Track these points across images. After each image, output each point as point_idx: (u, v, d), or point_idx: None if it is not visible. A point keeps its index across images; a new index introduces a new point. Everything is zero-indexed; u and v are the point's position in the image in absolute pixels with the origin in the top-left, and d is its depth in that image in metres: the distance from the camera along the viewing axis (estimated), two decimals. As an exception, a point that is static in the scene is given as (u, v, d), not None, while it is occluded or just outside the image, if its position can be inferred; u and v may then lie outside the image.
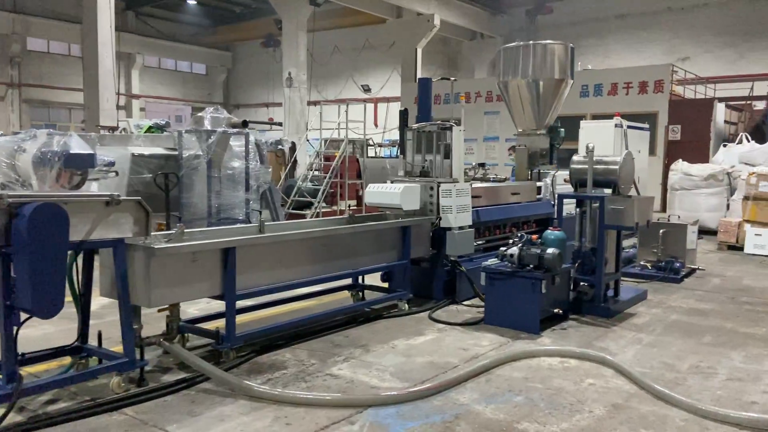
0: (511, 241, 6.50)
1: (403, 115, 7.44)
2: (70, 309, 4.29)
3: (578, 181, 7.06)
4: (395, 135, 24.08)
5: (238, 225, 6.60)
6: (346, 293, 7.06)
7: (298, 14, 20.18)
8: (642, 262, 9.05)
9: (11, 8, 29.57)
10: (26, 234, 3.58)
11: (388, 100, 30.29)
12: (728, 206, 13.16)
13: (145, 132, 12.80)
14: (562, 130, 9.50)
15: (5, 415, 3.68)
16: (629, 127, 12.89)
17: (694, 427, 4.03)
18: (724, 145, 15.46)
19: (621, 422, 4.08)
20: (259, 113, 36.83)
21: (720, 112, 18.52)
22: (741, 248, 11.32)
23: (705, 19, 23.85)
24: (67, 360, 4.59)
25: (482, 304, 6.57)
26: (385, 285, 7.23)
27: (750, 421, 4.03)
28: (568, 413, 4.20)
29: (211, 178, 10.20)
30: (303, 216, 13.11)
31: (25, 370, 4.25)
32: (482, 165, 8.02)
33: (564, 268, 6.38)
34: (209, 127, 10.04)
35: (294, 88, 20.26)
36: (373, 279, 7.15)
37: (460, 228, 7.05)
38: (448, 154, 7.13)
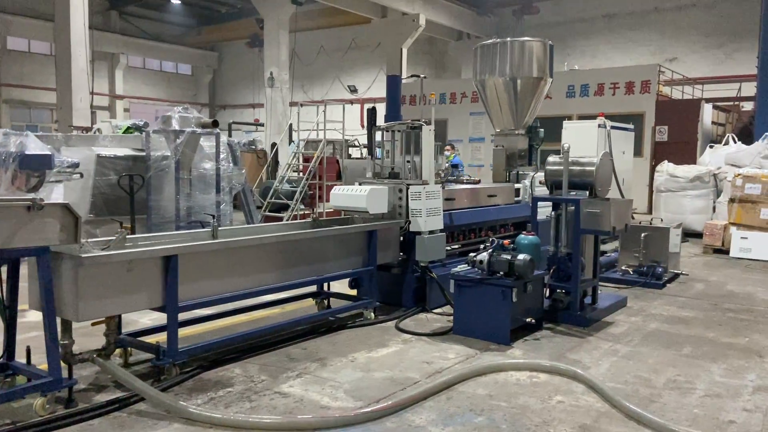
0: (482, 246, 6.17)
1: (371, 114, 7.10)
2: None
3: (554, 183, 6.75)
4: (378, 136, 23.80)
5: (195, 230, 6.23)
6: (311, 301, 6.71)
7: (280, 13, 19.82)
8: (623, 267, 8.74)
9: (-10, 7, 29.04)
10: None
11: (374, 100, 29.85)
12: (714, 208, 12.90)
13: (123, 132, 12.43)
14: (542, 130, 9.18)
15: None
16: (613, 127, 12.60)
17: (666, 451, 3.71)
18: (711, 146, 15.21)
19: (588, 446, 3.76)
20: (245, 114, 36.41)
21: (707, 113, 18.30)
22: (727, 252, 11.04)
23: (692, 19, 23.64)
24: (-10, 378, 4.22)
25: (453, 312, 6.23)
26: (353, 292, 6.90)
27: (727, 445, 3.72)
28: (532, 436, 3.87)
29: (180, 180, 9.84)
30: (279, 219, 12.75)
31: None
32: (455, 166, 7.69)
33: (537, 275, 6.06)
34: (177, 128, 9.68)
35: (276, 88, 19.89)
36: (342, 286, 6.81)
37: (431, 232, 6.71)
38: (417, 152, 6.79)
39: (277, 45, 19.89)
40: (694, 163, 15.10)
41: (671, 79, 20.10)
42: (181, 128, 9.66)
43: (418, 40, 26.37)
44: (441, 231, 6.86)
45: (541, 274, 6.19)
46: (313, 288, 6.60)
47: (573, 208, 6.42)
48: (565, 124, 12.27)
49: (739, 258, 10.71)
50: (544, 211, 7.19)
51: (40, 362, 4.14)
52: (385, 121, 7.01)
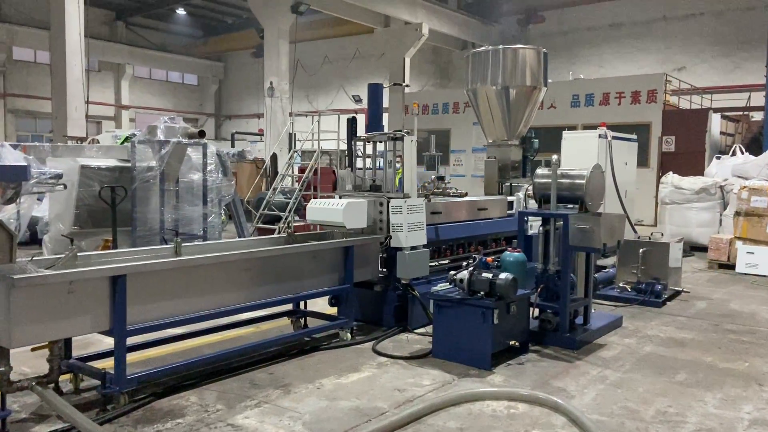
0: (464, 263, 5.83)
1: (351, 124, 6.79)
2: None
3: (542, 197, 6.40)
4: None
5: (159, 247, 5.91)
6: (287, 320, 6.39)
7: (279, 22, 19.59)
8: (621, 284, 8.35)
9: (-5, 17, 29.14)
10: None
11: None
12: (721, 221, 12.47)
13: (121, 143, 12.24)
14: (536, 141, 8.85)
15: None
16: (616, 138, 12.20)
17: (648, 497, 3.35)
18: (718, 157, 14.79)
19: (561, 490, 3.40)
20: (250, 124, 36.30)
21: (716, 122, 17.85)
22: (732, 267, 10.61)
23: (700, 28, 23.24)
24: None
25: (433, 333, 5.88)
26: (334, 310, 6.58)
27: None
28: (500, 477, 3.52)
29: (165, 191, 9.59)
30: (272, 231, 12.47)
31: None
32: (441, 178, 7.37)
33: (522, 294, 5.70)
34: (162, 138, 9.43)
35: (276, 97, 19.63)
36: (324, 303, 6.49)
37: (413, 248, 6.38)
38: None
39: (276, 54, 19.66)
40: (702, 174, 14.68)
41: (678, 88, 19.69)
42: (167, 138, 9.42)
43: (423, 49, 26.17)
44: (424, 247, 6.53)
45: (527, 293, 5.83)
46: (290, 306, 6.30)
47: (562, 223, 6.06)
48: (565, 134, 11.90)
49: (745, 273, 10.29)
50: (537, 225, 6.84)
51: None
52: (367, 131, 6.70)
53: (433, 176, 7.27)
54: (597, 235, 5.81)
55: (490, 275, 5.41)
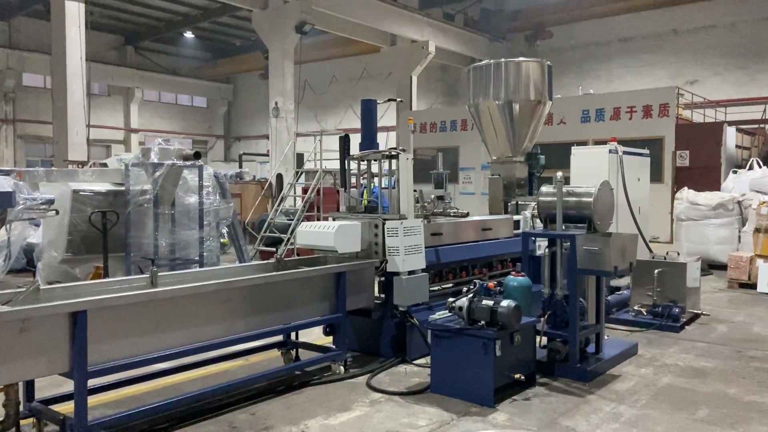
0: (465, 288, 5.43)
1: (344, 142, 6.44)
2: None
3: (548, 217, 5.99)
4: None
5: (134, 277, 5.56)
6: (278, 352, 6.00)
7: (284, 43, 19.41)
8: (636, 307, 7.88)
9: (6, 44, 29.29)
10: None
11: (387, 129, 29.47)
12: (740, 238, 11.96)
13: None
14: (542, 157, 8.45)
15: None
16: (628, 153, 11.77)
17: None
18: (734, 172, 14.29)
19: None
20: (260, 145, 36.14)
21: (731, 136, 17.36)
22: (754, 286, 10.09)
23: (712, 40, 22.80)
24: None
25: (432, 365, 5.45)
26: (329, 340, 6.17)
27: None
28: None
29: (160, 215, 9.29)
30: (273, 253, 12.10)
31: None
32: (441, 198, 6.99)
33: (526, 323, 5.28)
34: (156, 160, 9.14)
35: (281, 118, 19.41)
36: (318, 331, 6.10)
37: (411, 272, 5.99)
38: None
39: (281, 74, 19.46)
40: (718, 188, 14.17)
41: (691, 102, 19.23)
42: (160, 161, 9.13)
43: (431, 67, 25.94)
44: (423, 271, 6.14)
45: (532, 321, 5.40)
46: (280, 337, 5.91)
47: (569, 245, 5.65)
48: (574, 150, 11.49)
49: (767, 294, 9.76)
50: (545, 245, 6.42)
51: None
52: (361, 150, 6.35)
53: (433, 195, 6.89)
54: (607, 258, 5.39)
55: (491, 302, 4.99)
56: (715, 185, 14.71)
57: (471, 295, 5.11)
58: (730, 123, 17.94)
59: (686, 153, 17.04)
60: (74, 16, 14.83)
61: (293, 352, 5.98)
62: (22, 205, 8.96)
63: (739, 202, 12.32)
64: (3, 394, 3.94)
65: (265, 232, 12.57)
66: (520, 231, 8.13)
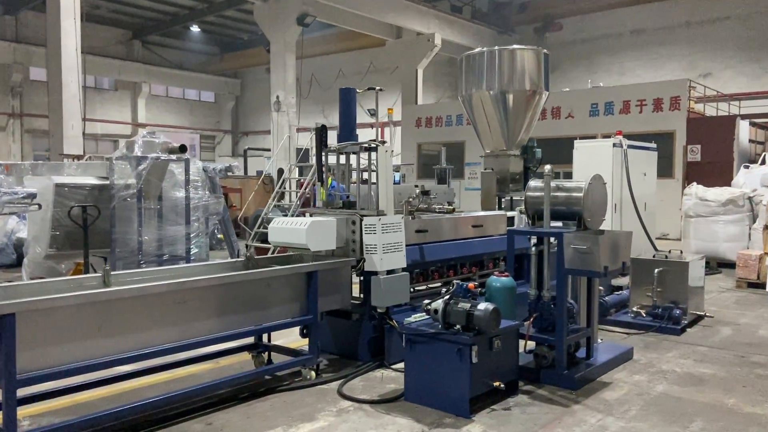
0: (444, 289, 5.08)
1: (320, 133, 6.09)
2: None
3: (536, 213, 5.62)
4: (397, 160, 22.81)
5: (86, 276, 5.26)
6: (248, 355, 5.68)
7: (286, 35, 19.11)
8: (635, 308, 7.47)
9: (13, 38, 29.21)
10: None
11: (395, 124, 29.12)
12: (750, 236, 11.49)
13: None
14: (539, 150, 8.05)
15: None
16: (633, 147, 11.33)
17: None
18: (746, 167, 13.79)
19: None
20: (267, 140, 35.67)
21: (744, 130, 16.83)
22: (763, 286, 9.63)
23: (726, 32, 22.20)
24: None
25: (409, 371, 5.11)
26: (304, 342, 5.83)
27: None
28: None
29: (146, 210, 9.02)
30: (268, 249, 11.79)
31: None
32: (426, 193, 6.63)
33: (509, 327, 4.92)
34: (139, 153, 8.86)
35: (282, 112, 19.12)
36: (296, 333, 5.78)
37: (389, 272, 5.63)
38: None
39: (283, 68, 19.17)
40: (731, 185, 13.68)
41: (704, 95, 18.68)
42: (144, 154, 8.86)
43: (438, 61, 25.54)
44: (404, 270, 5.78)
45: (514, 325, 5.03)
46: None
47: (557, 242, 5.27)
48: (577, 143, 11.06)
49: (777, 293, 9.33)
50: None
51: None
52: (339, 141, 6.01)
53: (418, 190, 6.53)
54: (596, 257, 5.01)
55: (467, 305, 4.63)
56: (727, 180, 14.23)
57: (447, 297, 4.75)
58: (744, 117, 17.40)
59: (698, 147, 16.56)
60: (69, 8, 14.59)
61: (265, 356, 5.66)
62: (2, 199, 8.74)
63: (749, 198, 11.84)
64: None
65: (258, 228, 12.26)
66: (514, 227, 7.76)
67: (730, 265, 11.06)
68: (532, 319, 5.33)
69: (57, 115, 14.78)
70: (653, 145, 12.15)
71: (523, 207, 7.51)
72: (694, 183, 12.93)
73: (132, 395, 4.81)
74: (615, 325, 7.26)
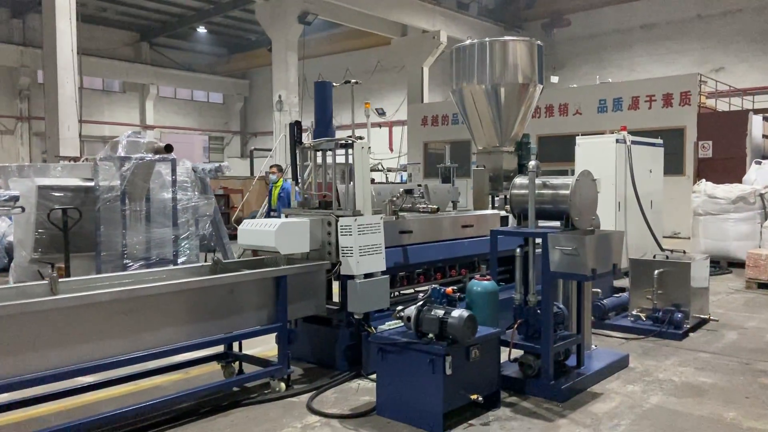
0: (420, 295, 4.75)
1: (294, 129, 5.78)
2: None
3: (522, 212, 5.27)
4: (404, 159, 22.49)
5: (32, 283, 4.97)
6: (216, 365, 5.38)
7: (287, 34, 18.86)
8: (635, 312, 7.08)
9: (20, 41, 29.23)
10: None
11: (403, 123, 28.80)
12: (761, 234, 11.03)
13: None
14: (534, 146, 7.69)
15: None
16: (638, 143, 10.91)
17: None
18: (758, 162, 13.30)
19: None
20: (276, 141, 35.74)
21: (757, 125, 16.31)
22: (774, 287, 9.21)
23: (739, 26, 21.64)
24: None
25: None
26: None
27: None
28: None
29: (130, 212, 8.78)
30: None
31: None
32: (409, 192, 6.30)
33: (489, 335, 4.57)
34: (123, 153, 8.62)
35: (284, 111, 18.86)
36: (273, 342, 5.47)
37: (367, 276, 5.31)
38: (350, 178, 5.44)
39: (285, 67, 18.91)
40: (742, 181, 13.20)
41: (716, 90, 18.16)
42: (128, 154, 8.61)
43: (445, 59, 25.13)
44: (383, 273, 5.46)
45: (496, 332, 4.68)
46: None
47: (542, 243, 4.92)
48: (578, 140, 10.67)
49: (789, 295, 8.89)
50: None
51: None
52: (314, 138, 5.70)
53: (401, 189, 6.20)
54: (583, 259, 4.65)
55: (441, 312, 4.30)
56: (740, 177, 13.75)
57: (420, 303, 4.42)
58: (757, 111, 16.88)
59: (709, 143, 16.08)
60: (65, 9, 14.42)
61: (235, 365, 5.35)
62: (-5, 201, 8.50)
63: (761, 195, 11.38)
64: None
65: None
66: (509, 227, 7.41)
67: (741, 264, 10.60)
68: (516, 326, 4.98)
69: (53, 116, 14.62)
70: (659, 140, 11.72)
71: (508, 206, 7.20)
72: (703, 180, 12.50)
73: (88, 409, 4.53)
74: (613, 330, 6.88)
